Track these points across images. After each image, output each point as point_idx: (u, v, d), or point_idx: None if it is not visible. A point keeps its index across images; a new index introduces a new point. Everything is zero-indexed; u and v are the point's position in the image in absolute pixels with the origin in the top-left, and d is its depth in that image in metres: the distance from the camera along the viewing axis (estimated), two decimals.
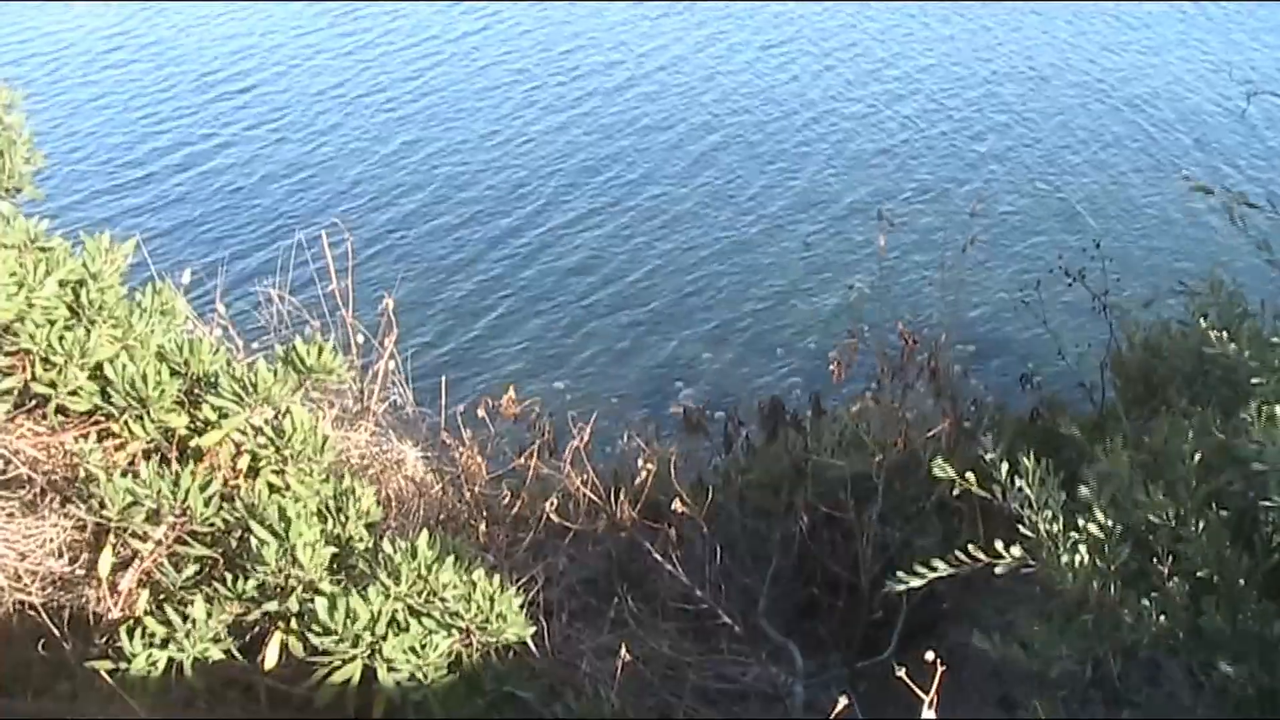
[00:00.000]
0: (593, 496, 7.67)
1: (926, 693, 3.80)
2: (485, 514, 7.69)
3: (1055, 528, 4.82)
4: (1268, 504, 4.59)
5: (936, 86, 21.78)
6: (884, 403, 8.42)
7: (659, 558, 7.38)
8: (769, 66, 22.91)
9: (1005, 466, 4.86)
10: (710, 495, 7.76)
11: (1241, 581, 4.76)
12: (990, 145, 19.70)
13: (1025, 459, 4.84)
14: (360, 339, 7.95)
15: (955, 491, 5.05)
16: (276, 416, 5.37)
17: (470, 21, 25.43)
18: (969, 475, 4.95)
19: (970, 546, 4.80)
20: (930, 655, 3.88)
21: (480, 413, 8.42)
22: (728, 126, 20.63)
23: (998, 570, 4.82)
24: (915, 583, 4.92)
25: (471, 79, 22.76)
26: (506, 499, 7.78)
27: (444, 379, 9.11)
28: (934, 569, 4.86)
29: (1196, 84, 21.45)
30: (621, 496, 7.73)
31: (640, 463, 8.00)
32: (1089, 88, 21.74)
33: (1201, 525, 4.77)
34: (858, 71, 22.49)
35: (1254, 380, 5.04)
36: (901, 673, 3.93)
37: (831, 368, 9.11)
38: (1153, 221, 17.11)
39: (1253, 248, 6.96)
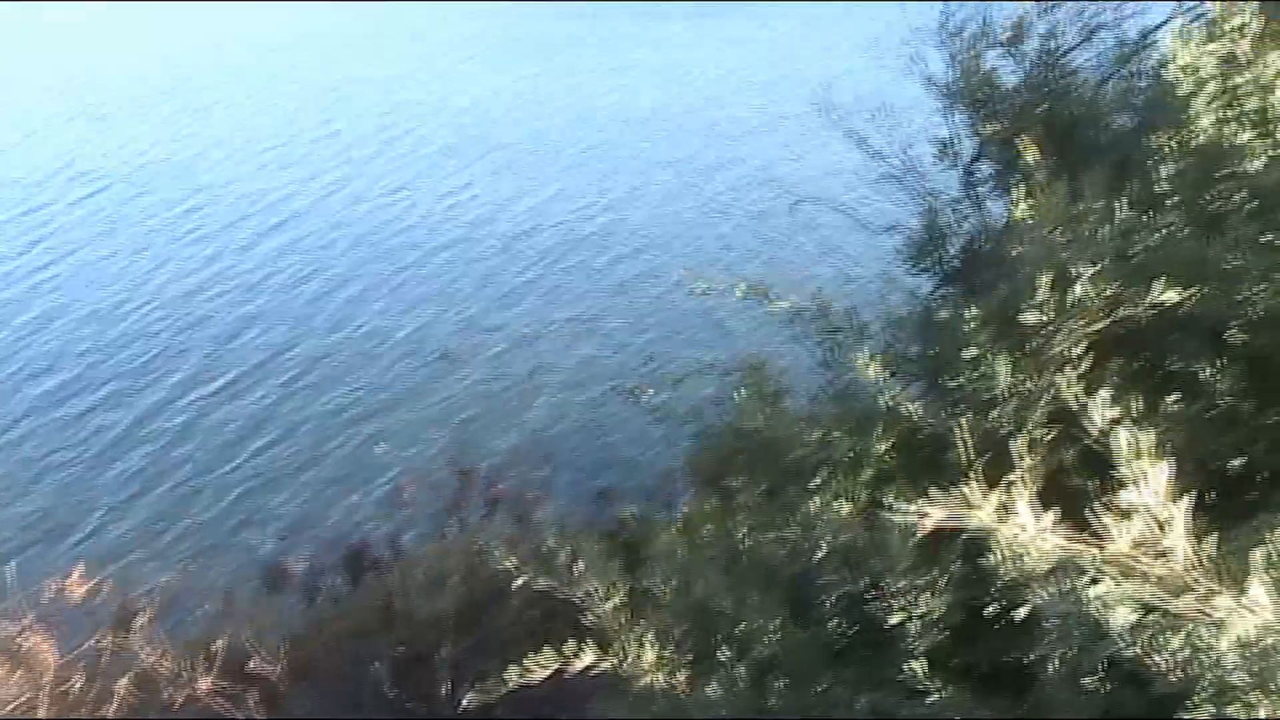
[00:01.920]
0: (173, 668, 7.53)
1: None
2: (60, 701, 7.39)
3: (622, 619, 4.67)
4: (826, 580, 4.60)
5: (498, 224, 22.56)
6: (456, 537, 8.71)
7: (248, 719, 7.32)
8: (376, 207, 23.39)
9: (564, 554, 4.61)
10: (294, 649, 7.77)
11: (802, 655, 4.76)
12: (540, 275, 20.51)
13: (588, 545, 4.67)
14: None
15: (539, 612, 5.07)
16: None
17: (76, 189, 24.75)
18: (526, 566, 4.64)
19: (544, 650, 4.42)
20: None
21: (47, 596, 8.11)
22: (292, 279, 20.66)
23: (571, 670, 4.50)
24: (485, 698, 4.35)
25: (91, 246, 22.04)
26: (80, 682, 7.50)
27: (12, 566, 8.70)
28: (505, 681, 4.42)
29: (752, 191, 22.94)
30: (205, 662, 7.62)
31: (222, 624, 7.93)
32: (625, 200, 23.18)
33: (758, 603, 4.76)
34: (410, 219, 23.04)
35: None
36: None
37: (401, 508, 9.38)
38: (704, 326, 18.05)
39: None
